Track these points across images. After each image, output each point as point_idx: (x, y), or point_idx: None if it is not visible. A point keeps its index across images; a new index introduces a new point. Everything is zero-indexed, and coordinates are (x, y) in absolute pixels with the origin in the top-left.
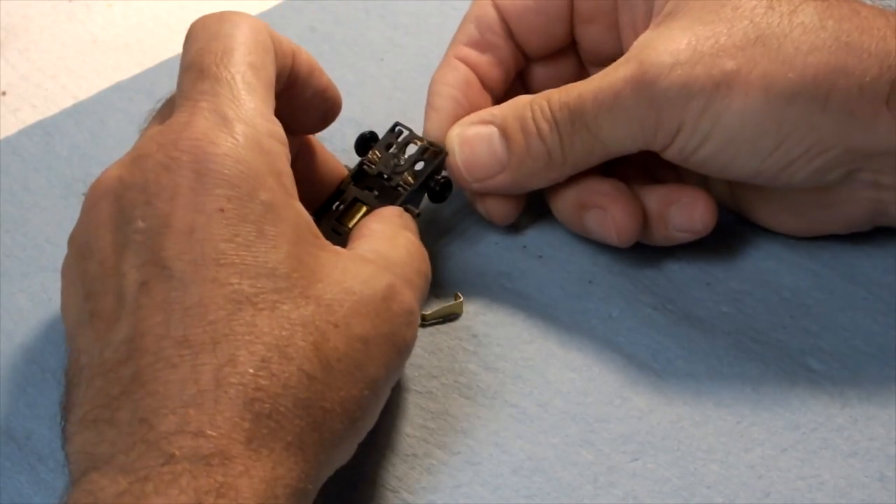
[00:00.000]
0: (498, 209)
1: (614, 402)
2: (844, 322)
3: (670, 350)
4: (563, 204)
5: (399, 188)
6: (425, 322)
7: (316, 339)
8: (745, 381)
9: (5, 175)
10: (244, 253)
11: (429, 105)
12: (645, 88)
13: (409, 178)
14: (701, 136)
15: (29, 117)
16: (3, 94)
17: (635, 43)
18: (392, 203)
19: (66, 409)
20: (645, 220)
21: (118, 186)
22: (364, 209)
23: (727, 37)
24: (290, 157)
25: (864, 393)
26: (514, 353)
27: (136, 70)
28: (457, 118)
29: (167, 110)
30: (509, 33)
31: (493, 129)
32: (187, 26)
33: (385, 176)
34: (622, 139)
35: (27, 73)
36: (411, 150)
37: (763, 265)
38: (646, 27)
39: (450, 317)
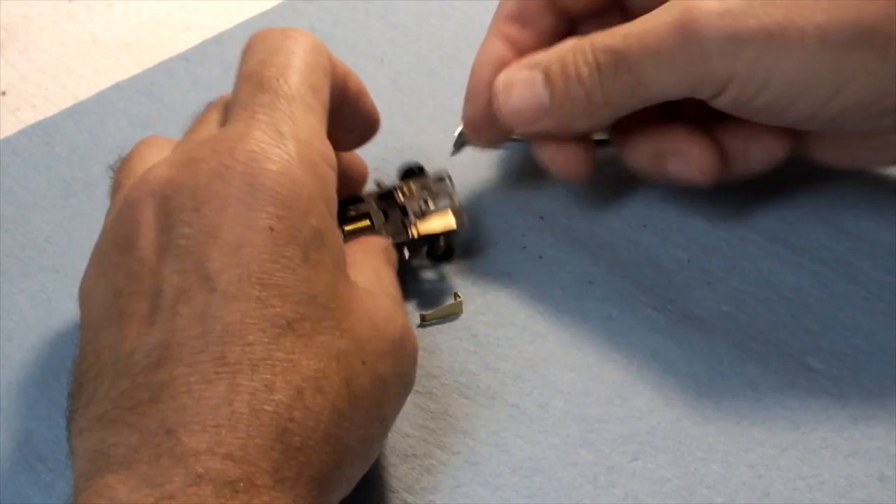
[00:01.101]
0: (559, 162)
1: (614, 402)
2: (845, 322)
3: (670, 350)
4: (641, 156)
5: (406, 231)
6: (425, 322)
7: (348, 374)
8: (745, 381)
9: (5, 175)
10: (289, 276)
11: (467, 92)
12: (691, 36)
13: (418, 231)
14: (755, 87)
15: (29, 117)
16: (3, 94)
17: None
18: (392, 238)
19: (76, 401)
20: (723, 156)
21: (167, 187)
22: (367, 224)
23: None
24: (336, 183)
25: (864, 393)
26: (514, 353)
27: (136, 70)
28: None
29: (213, 115)
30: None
31: (536, 74)
32: (187, 26)
33: (405, 212)
34: (667, 86)
35: (27, 73)
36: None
37: (763, 265)
38: None
39: (449, 317)
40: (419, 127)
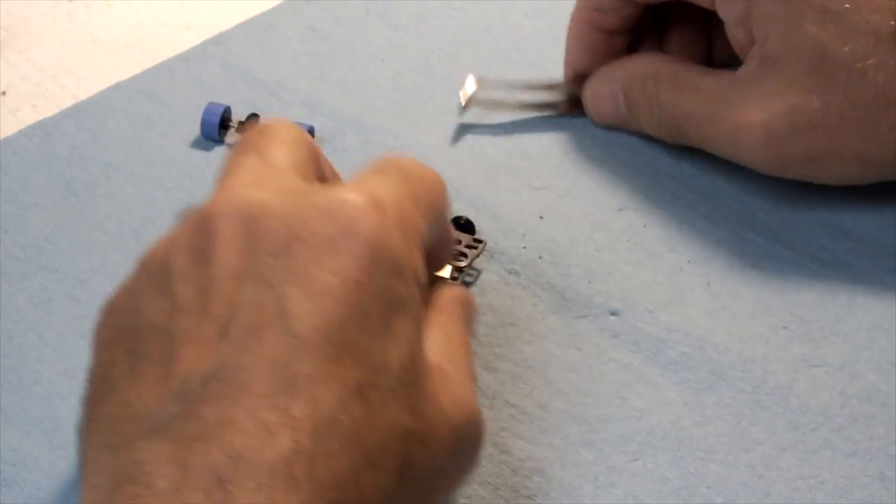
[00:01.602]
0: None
1: (614, 402)
2: (845, 320)
3: (670, 350)
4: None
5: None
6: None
7: (405, 456)
8: (745, 381)
9: (5, 175)
10: (367, 339)
11: (565, 61)
12: (739, 153)
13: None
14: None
15: (29, 117)
16: (3, 94)
17: (738, 75)
18: None
19: (96, 407)
20: None
21: (258, 209)
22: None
23: (822, 113)
24: (426, 281)
25: (864, 393)
26: (514, 353)
27: (136, 70)
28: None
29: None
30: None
31: (617, 92)
32: (187, 26)
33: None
34: None
35: (27, 73)
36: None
37: (763, 264)
38: (748, 43)
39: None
40: (419, 127)
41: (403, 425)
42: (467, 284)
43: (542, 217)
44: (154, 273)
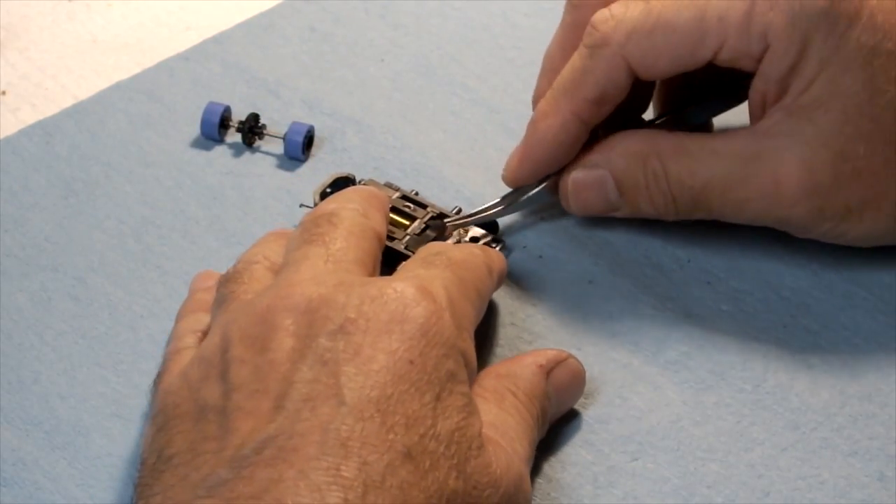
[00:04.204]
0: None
1: (614, 402)
2: (844, 321)
3: (670, 350)
4: None
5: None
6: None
7: None
8: (745, 381)
9: (5, 175)
10: (418, 409)
11: (526, 150)
12: (776, 209)
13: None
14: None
15: (29, 117)
16: (3, 93)
17: (762, 130)
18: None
19: (153, 485)
20: None
21: (315, 301)
22: (409, 225)
23: (867, 159)
24: (475, 361)
25: (864, 392)
26: (514, 353)
27: (136, 70)
28: None
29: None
30: (636, 82)
31: (606, 177)
32: (187, 26)
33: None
34: (738, 218)
35: (27, 72)
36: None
37: (763, 265)
38: (776, 98)
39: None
40: (419, 127)
41: (452, 488)
42: None
43: (541, 217)
44: (211, 360)
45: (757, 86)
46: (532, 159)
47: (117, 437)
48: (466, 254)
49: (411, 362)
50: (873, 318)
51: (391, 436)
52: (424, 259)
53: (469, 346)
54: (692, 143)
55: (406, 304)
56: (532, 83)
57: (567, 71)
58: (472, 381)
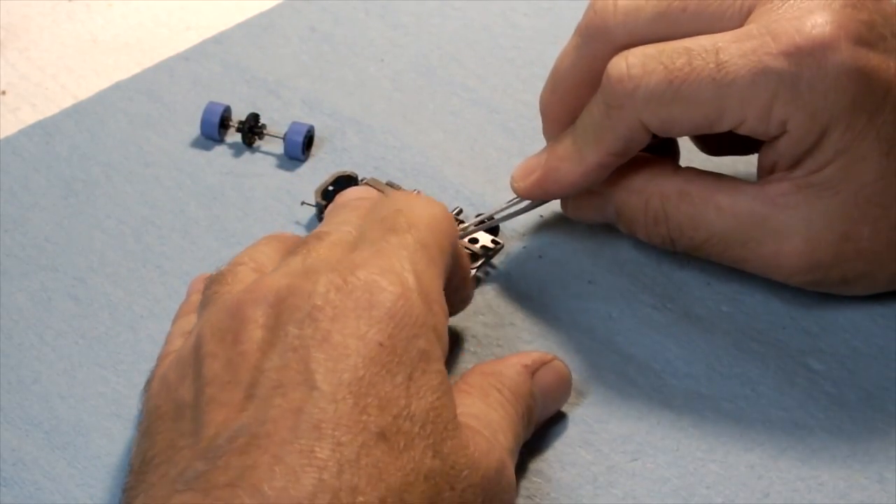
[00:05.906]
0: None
1: (614, 402)
2: (844, 323)
3: (670, 350)
4: None
5: None
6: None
7: (432, 496)
8: (745, 381)
9: (5, 175)
10: (391, 390)
11: (544, 177)
12: (774, 275)
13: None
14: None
15: (29, 117)
16: (3, 93)
17: (769, 196)
18: None
19: (137, 485)
20: None
21: (283, 291)
22: None
23: (870, 241)
24: (447, 330)
25: (863, 393)
26: (514, 352)
27: (136, 70)
28: None
29: (325, 251)
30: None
31: (605, 204)
32: (187, 26)
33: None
34: None
35: (27, 72)
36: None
37: None
38: (787, 168)
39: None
40: (419, 127)
41: (429, 466)
42: (478, 281)
43: (541, 217)
44: (186, 360)
45: (769, 154)
46: (549, 191)
47: (117, 437)
48: (421, 205)
49: (381, 344)
50: (873, 318)
51: (364, 417)
52: (384, 221)
53: (441, 319)
54: (697, 192)
55: (372, 290)
56: (532, 83)
57: (588, 121)
58: (445, 352)
